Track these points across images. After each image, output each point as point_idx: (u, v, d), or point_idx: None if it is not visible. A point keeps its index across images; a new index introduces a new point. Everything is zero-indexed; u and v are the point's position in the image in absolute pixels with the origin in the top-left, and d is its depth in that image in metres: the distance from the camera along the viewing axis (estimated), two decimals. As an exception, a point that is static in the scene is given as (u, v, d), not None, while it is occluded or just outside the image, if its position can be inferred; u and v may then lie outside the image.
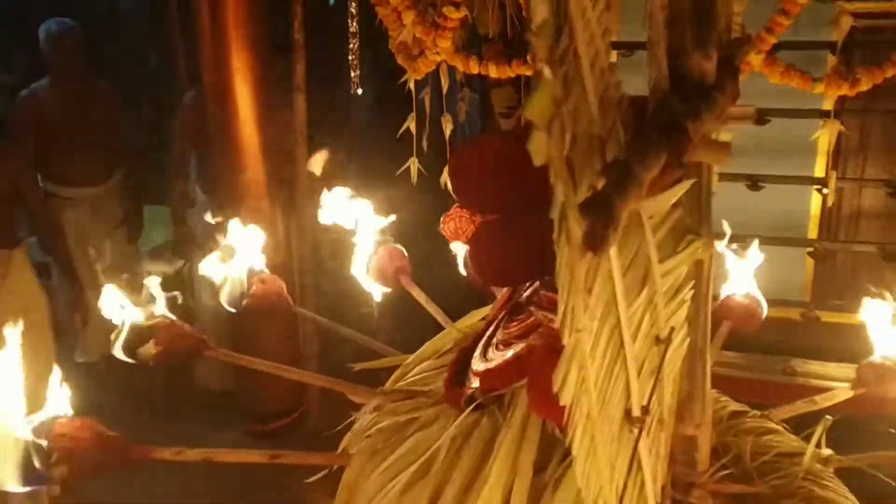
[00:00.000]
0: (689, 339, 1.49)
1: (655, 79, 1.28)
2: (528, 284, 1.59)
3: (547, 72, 0.81)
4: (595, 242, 0.86)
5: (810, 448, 1.70)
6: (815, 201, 3.33)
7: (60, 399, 1.48)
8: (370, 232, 2.18)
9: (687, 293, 1.36)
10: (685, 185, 1.24)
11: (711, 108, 1.29)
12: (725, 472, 1.64)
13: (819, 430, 1.72)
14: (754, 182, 3.06)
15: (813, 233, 3.40)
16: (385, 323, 4.16)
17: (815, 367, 3.19)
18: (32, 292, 3.61)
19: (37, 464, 1.40)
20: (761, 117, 2.88)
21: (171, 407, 4.41)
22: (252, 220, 3.91)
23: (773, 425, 1.84)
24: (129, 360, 1.79)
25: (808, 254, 3.35)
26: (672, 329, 1.34)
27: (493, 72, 2.61)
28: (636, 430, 1.23)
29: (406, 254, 2.14)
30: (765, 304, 2.13)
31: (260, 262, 2.05)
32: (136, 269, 4.47)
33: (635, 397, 1.23)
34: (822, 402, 1.90)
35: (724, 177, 3.06)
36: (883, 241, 3.27)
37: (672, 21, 1.30)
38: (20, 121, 4.18)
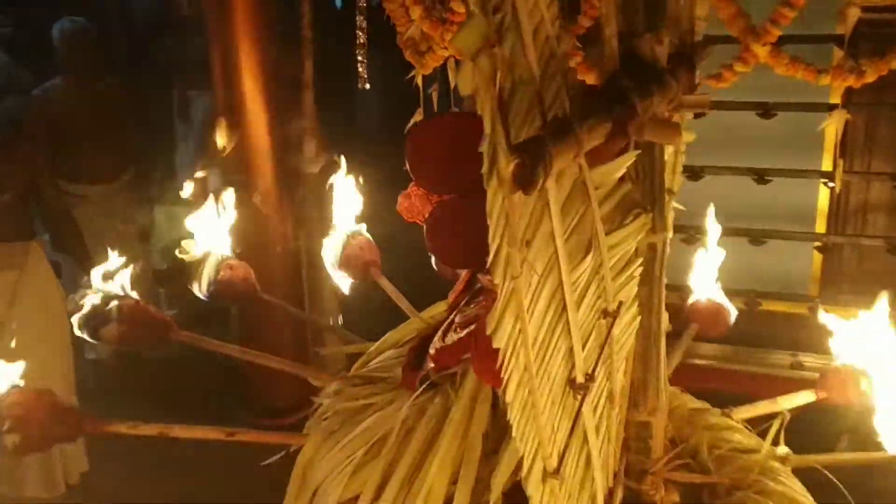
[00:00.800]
0: (641, 323, 1.51)
1: (606, 56, 1.32)
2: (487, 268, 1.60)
3: (478, 11, 0.84)
4: (524, 180, 0.88)
5: (766, 444, 1.71)
6: (823, 195, 3.31)
7: (14, 371, 1.48)
8: (344, 224, 2.19)
9: (636, 269, 1.38)
10: (630, 157, 1.26)
11: (662, 90, 1.33)
12: (681, 461, 1.64)
13: (774, 427, 1.73)
14: (761, 176, 3.07)
15: (820, 227, 3.38)
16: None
17: (824, 361, 3.17)
18: (49, 285, 3.62)
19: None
20: (766, 111, 2.92)
21: (178, 403, 4.32)
22: (260, 215, 3.96)
23: (733, 422, 1.84)
24: (91, 340, 1.79)
25: (816, 248, 3.34)
26: (620, 304, 1.35)
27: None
28: (579, 398, 1.24)
29: (376, 247, 2.16)
30: (733, 310, 2.13)
31: (228, 250, 2.06)
32: (147, 267, 4.47)
33: (579, 365, 1.24)
34: (784, 403, 1.91)
35: (730, 170, 3.06)
36: (890, 235, 3.24)
37: (625, 3, 1.35)
38: (34, 118, 4.22)
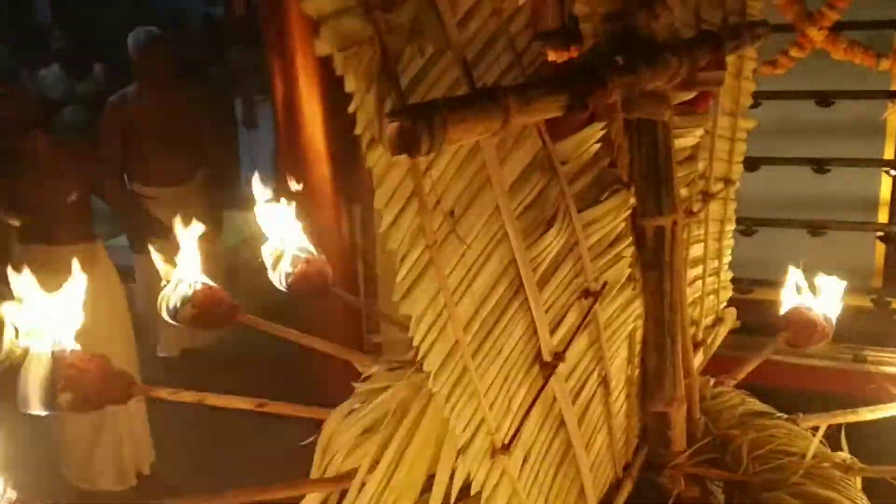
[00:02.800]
0: (651, 310, 1.45)
1: (591, 30, 1.30)
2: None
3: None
4: (405, 144, 0.90)
5: (812, 446, 1.58)
6: (885, 184, 3.17)
7: (69, 333, 1.63)
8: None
9: (624, 249, 1.34)
10: (595, 130, 1.23)
11: (655, 66, 1.28)
12: (709, 456, 1.56)
13: (822, 430, 1.60)
14: (820, 166, 2.87)
15: (883, 216, 3.25)
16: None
17: (887, 354, 2.98)
18: (113, 285, 3.86)
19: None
20: (824, 99, 2.72)
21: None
22: (319, 216, 4.12)
23: (793, 427, 1.71)
24: (172, 322, 1.95)
25: (879, 238, 3.20)
26: (605, 284, 1.32)
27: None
28: (546, 376, 1.22)
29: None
30: (831, 324, 1.96)
31: (305, 245, 2.16)
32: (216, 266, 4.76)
33: (545, 343, 1.22)
34: (867, 414, 1.75)
35: (788, 161, 2.92)
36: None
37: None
38: (109, 124, 4.53)
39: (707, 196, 1.75)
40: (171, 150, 4.58)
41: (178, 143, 4.61)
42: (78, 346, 1.63)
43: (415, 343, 1.03)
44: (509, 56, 1.15)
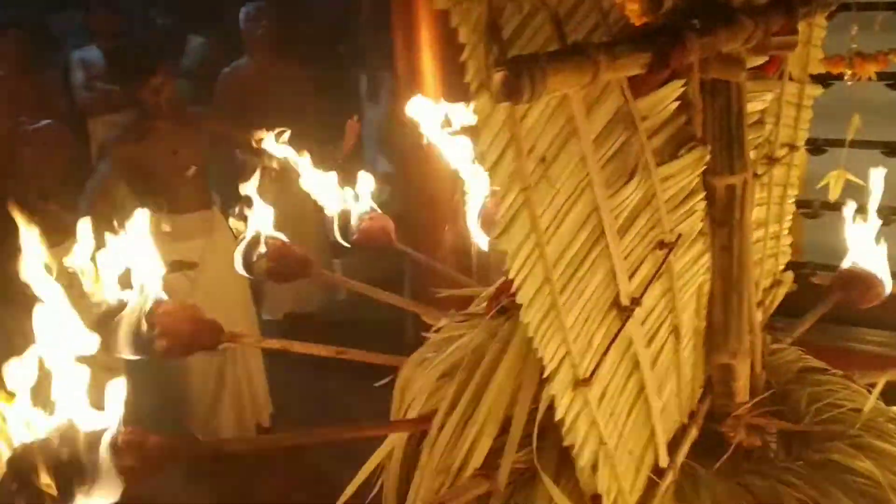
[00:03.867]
0: (719, 264, 1.52)
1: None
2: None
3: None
4: (508, 92, 0.98)
5: (870, 401, 1.64)
6: None
7: (161, 289, 1.73)
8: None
9: (696, 203, 1.40)
10: (674, 89, 1.30)
11: (730, 29, 1.34)
12: (770, 409, 1.62)
13: (879, 385, 1.66)
14: (892, 149, 2.86)
15: None
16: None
17: None
18: (231, 249, 4.02)
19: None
20: None
21: (336, 364, 4.67)
22: (432, 184, 4.22)
23: (851, 384, 1.77)
24: (246, 274, 2.06)
25: None
26: (679, 236, 1.39)
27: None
28: (623, 319, 1.30)
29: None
30: (888, 282, 2.02)
31: (369, 203, 2.26)
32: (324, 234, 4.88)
33: (623, 289, 1.30)
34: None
35: (858, 144, 2.87)
36: None
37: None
38: (222, 95, 4.69)
39: (772, 160, 1.80)
40: (279, 121, 4.68)
41: (285, 115, 4.72)
42: (167, 298, 1.73)
43: (510, 276, 1.11)
44: (596, 16, 1.22)
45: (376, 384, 1.86)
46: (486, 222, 2.29)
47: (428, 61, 4.06)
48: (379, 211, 2.31)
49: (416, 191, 4.13)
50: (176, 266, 1.80)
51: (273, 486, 3.66)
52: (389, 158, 4.90)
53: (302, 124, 4.82)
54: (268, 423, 4.11)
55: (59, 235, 3.73)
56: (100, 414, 1.18)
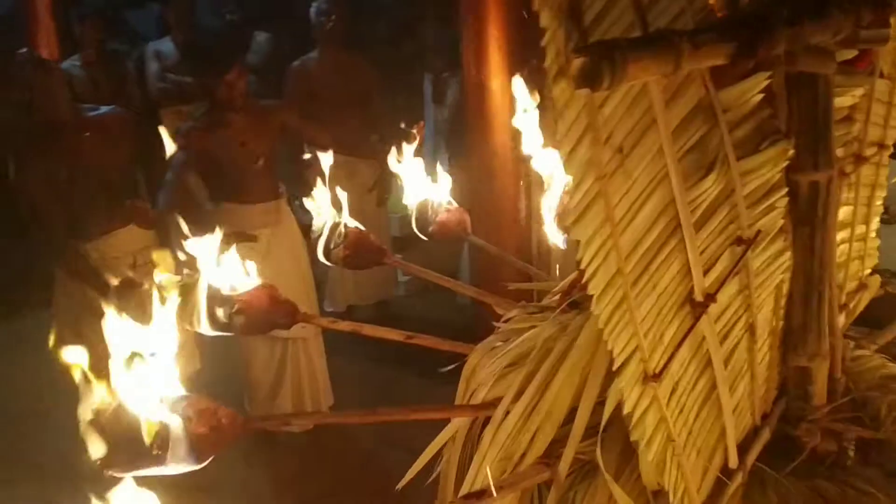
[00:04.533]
0: (800, 264, 1.48)
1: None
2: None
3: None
4: (587, 78, 0.97)
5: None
6: None
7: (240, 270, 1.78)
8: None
9: (778, 200, 1.37)
10: (758, 80, 1.26)
11: (819, 21, 1.30)
12: (848, 415, 1.57)
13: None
14: None
15: None
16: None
17: None
18: (296, 238, 4.11)
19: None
20: None
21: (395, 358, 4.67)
22: (498, 182, 4.23)
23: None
24: (325, 261, 2.10)
25: None
26: (759, 232, 1.35)
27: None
28: (696, 315, 1.27)
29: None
30: None
31: (446, 197, 2.27)
32: (385, 229, 4.95)
33: (698, 284, 1.27)
34: None
35: None
36: None
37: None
38: (292, 88, 4.72)
39: (860, 159, 1.74)
40: (346, 115, 4.75)
41: (351, 109, 4.79)
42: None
43: (582, 266, 1.11)
44: (680, 3, 1.20)
45: (441, 370, 1.88)
46: (564, 218, 2.27)
47: (496, 59, 4.05)
48: (456, 204, 2.31)
49: (482, 189, 4.14)
50: (236, 237, 1.83)
51: (328, 472, 3.73)
52: (453, 157, 4.91)
53: (368, 118, 4.91)
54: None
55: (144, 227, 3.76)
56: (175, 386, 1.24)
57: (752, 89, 1.28)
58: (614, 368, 1.19)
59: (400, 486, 1.69)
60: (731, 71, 1.24)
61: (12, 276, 5.34)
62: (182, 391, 1.23)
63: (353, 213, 2.13)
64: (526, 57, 4.12)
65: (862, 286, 1.94)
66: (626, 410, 1.22)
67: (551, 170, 2.32)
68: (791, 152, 1.35)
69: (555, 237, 2.32)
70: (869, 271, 1.97)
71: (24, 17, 5.13)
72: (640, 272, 1.19)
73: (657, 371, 1.23)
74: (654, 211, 1.19)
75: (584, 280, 1.12)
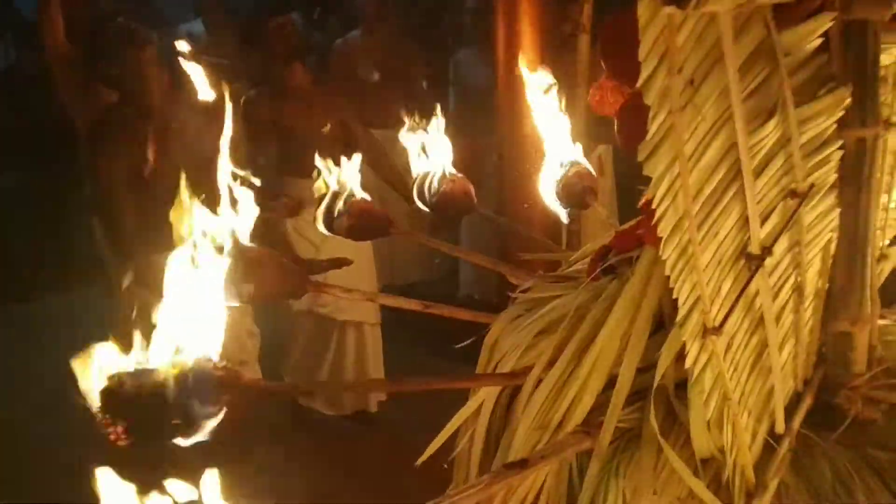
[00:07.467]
0: (845, 224, 1.43)
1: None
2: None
3: None
4: (674, -4, 0.90)
5: None
6: None
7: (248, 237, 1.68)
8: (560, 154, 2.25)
9: (832, 153, 1.31)
10: (820, 23, 1.21)
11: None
12: (889, 382, 1.52)
13: None
14: None
15: None
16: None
17: None
18: None
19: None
20: None
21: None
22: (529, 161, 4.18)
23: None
24: (327, 232, 2.00)
25: None
26: (812, 186, 1.30)
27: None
28: (753, 268, 1.21)
29: (593, 174, 2.19)
30: None
31: (450, 167, 2.19)
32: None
33: (754, 235, 1.21)
34: None
35: None
36: None
37: None
38: (336, 66, 4.81)
39: (888, 124, 1.70)
40: (388, 93, 4.72)
41: (393, 87, 4.76)
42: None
43: (653, 205, 1.04)
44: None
45: (457, 345, 1.79)
46: (566, 194, 2.21)
47: (528, 42, 4.02)
48: (460, 175, 2.24)
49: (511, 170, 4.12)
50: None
51: (358, 452, 3.72)
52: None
53: (409, 94, 4.83)
54: (374, 408, 3.95)
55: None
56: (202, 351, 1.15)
57: (813, 33, 1.22)
58: (678, 319, 1.13)
59: (419, 462, 1.60)
60: (793, 12, 1.19)
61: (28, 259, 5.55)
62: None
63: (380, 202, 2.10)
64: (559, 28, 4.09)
65: (882, 256, 1.90)
66: (687, 364, 1.15)
67: (555, 144, 2.26)
68: (848, 100, 1.29)
69: (556, 210, 2.25)
70: (888, 241, 1.94)
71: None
72: (704, 217, 1.13)
73: (717, 325, 1.16)
74: (718, 154, 1.13)
75: (653, 221, 1.05)
